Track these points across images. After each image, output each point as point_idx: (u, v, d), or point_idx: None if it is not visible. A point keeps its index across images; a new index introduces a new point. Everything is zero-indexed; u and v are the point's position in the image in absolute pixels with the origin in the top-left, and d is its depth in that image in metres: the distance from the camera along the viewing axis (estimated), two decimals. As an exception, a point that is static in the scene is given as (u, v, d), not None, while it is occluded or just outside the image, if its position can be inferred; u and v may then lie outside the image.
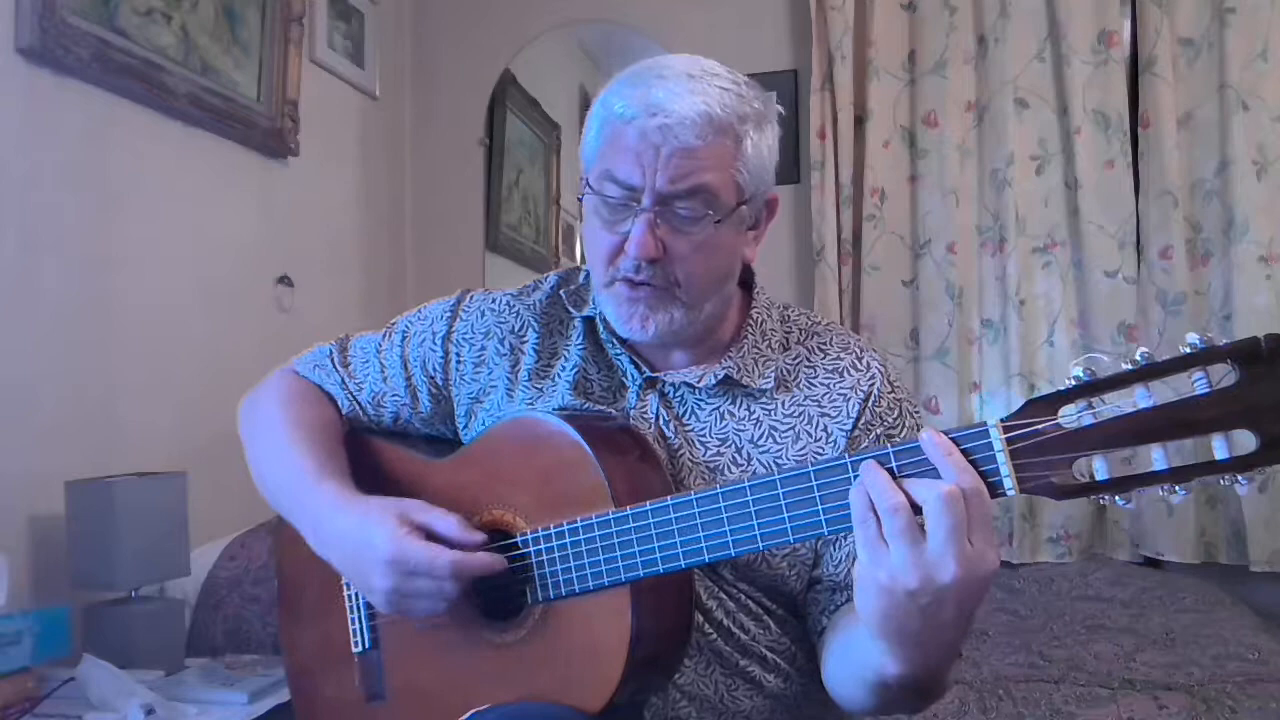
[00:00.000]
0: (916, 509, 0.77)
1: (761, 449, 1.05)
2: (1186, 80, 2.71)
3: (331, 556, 1.06)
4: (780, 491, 0.85)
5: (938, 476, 0.77)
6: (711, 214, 0.99)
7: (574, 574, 0.97)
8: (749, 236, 1.07)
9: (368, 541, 0.99)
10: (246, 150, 2.49)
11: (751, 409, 1.07)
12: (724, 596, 1.05)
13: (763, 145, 1.02)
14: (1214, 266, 2.69)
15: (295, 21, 2.60)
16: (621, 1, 3.15)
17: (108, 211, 2.06)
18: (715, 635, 1.04)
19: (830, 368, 1.08)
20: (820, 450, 1.05)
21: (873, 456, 0.80)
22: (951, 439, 0.78)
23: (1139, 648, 1.96)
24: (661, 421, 1.08)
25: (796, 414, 1.06)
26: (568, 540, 0.97)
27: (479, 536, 1.00)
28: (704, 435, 1.07)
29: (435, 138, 3.29)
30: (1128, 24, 2.84)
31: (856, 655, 0.90)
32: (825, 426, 1.05)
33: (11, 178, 1.85)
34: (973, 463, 0.77)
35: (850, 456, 0.83)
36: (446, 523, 0.99)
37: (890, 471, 0.79)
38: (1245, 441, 0.68)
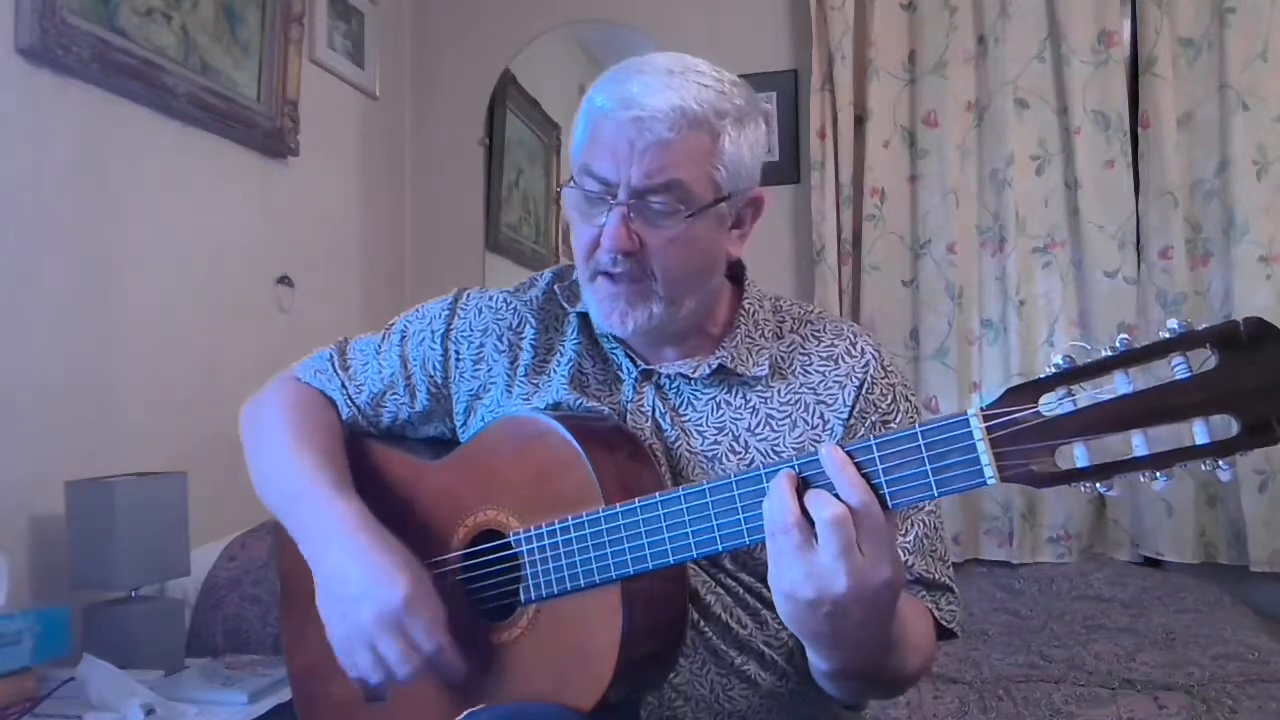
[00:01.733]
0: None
1: (759, 437, 1.06)
2: (1186, 80, 2.71)
3: (320, 573, 1.06)
4: (766, 486, 0.85)
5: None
6: (684, 209, 0.99)
7: (565, 573, 0.97)
8: (732, 235, 1.08)
9: (376, 582, 1.00)
10: (246, 150, 2.50)
11: (748, 397, 1.08)
12: (721, 591, 1.05)
13: (744, 143, 1.02)
14: (1214, 266, 2.68)
15: (295, 21, 2.60)
16: (621, 1, 3.16)
17: (108, 211, 2.07)
18: (711, 633, 1.04)
19: (825, 355, 1.09)
20: (817, 438, 1.05)
21: (786, 467, 0.83)
22: (930, 428, 0.79)
23: (1139, 648, 1.96)
24: (658, 414, 1.08)
25: (793, 401, 1.07)
26: (559, 539, 0.97)
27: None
28: (701, 425, 1.07)
29: (435, 138, 3.30)
30: (1128, 24, 2.83)
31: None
32: (822, 414, 1.06)
33: (11, 178, 1.85)
34: (953, 451, 0.78)
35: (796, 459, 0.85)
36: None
37: (803, 481, 0.82)
38: (1226, 426, 0.68)
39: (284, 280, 2.63)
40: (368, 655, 1.00)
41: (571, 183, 1.04)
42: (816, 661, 0.91)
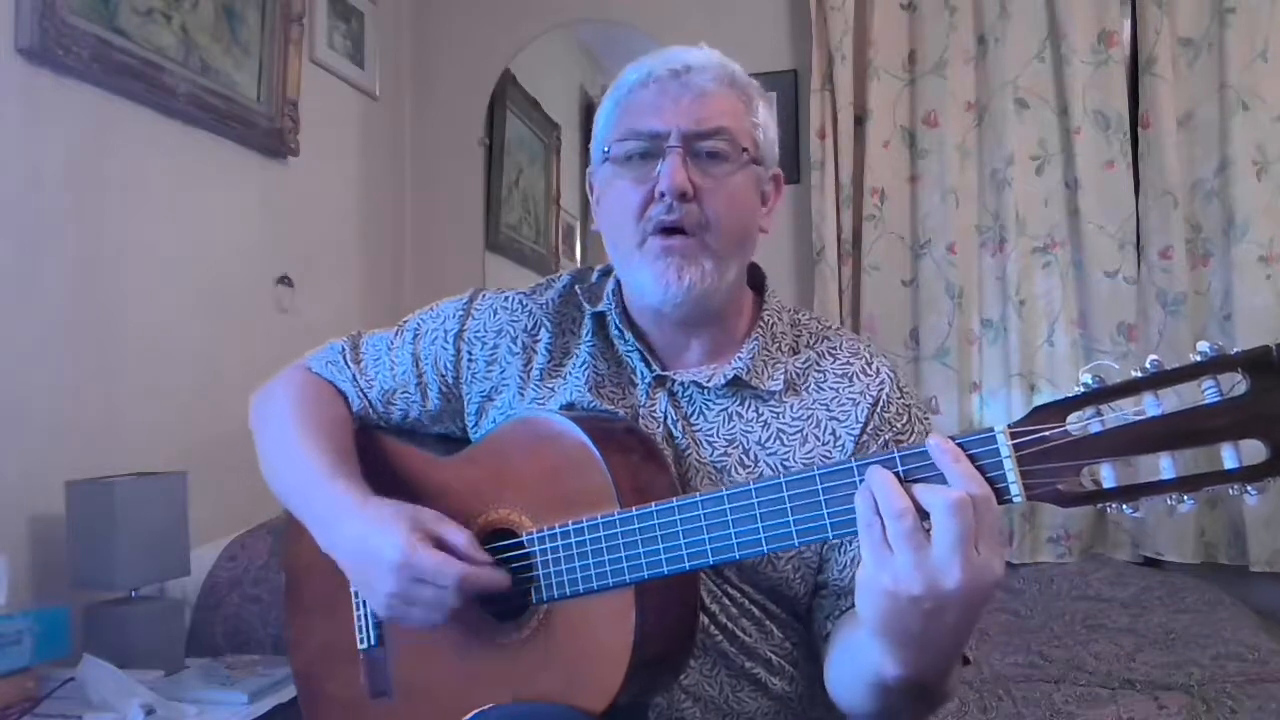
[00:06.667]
0: (922, 514, 0.76)
1: (769, 451, 1.05)
2: (1186, 80, 2.71)
3: (339, 555, 1.06)
4: (785, 494, 0.84)
5: (944, 482, 0.77)
6: (734, 154, 1.03)
7: (578, 574, 0.96)
8: (762, 208, 1.11)
9: (377, 545, 0.99)
10: (246, 150, 2.49)
11: (760, 411, 1.07)
12: (726, 601, 1.05)
13: (769, 120, 1.09)
14: (1214, 266, 2.69)
15: (295, 21, 2.59)
16: (621, 1, 3.15)
17: (108, 212, 2.06)
18: (720, 637, 1.04)
19: (840, 372, 1.08)
20: (828, 454, 1.04)
21: (879, 460, 0.80)
22: (958, 444, 0.77)
23: (1139, 648, 1.96)
24: (669, 421, 1.07)
25: (805, 417, 1.06)
26: (572, 540, 0.97)
27: (486, 557, 1.00)
28: (711, 436, 1.07)
29: (435, 138, 3.29)
30: (1128, 24, 2.84)
31: (858, 657, 0.89)
32: (833, 430, 1.05)
33: (11, 178, 1.84)
34: (980, 469, 0.76)
35: (856, 460, 0.82)
36: (458, 536, 1.00)
37: (896, 475, 0.79)
38: (1255, 451, 0.68)
39: (284, 280, 2.62)
40: (411, 610, 0.99)
41: (607, 158, 1.06)
42: (888, 668, 0.83)
